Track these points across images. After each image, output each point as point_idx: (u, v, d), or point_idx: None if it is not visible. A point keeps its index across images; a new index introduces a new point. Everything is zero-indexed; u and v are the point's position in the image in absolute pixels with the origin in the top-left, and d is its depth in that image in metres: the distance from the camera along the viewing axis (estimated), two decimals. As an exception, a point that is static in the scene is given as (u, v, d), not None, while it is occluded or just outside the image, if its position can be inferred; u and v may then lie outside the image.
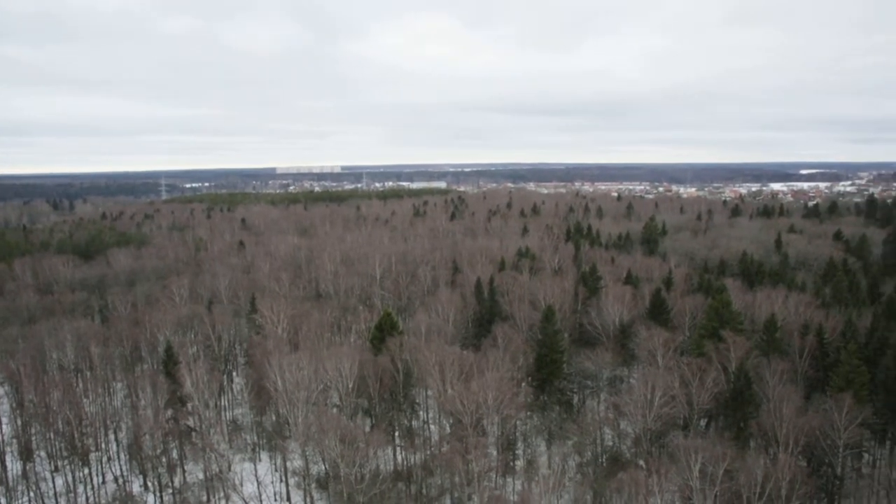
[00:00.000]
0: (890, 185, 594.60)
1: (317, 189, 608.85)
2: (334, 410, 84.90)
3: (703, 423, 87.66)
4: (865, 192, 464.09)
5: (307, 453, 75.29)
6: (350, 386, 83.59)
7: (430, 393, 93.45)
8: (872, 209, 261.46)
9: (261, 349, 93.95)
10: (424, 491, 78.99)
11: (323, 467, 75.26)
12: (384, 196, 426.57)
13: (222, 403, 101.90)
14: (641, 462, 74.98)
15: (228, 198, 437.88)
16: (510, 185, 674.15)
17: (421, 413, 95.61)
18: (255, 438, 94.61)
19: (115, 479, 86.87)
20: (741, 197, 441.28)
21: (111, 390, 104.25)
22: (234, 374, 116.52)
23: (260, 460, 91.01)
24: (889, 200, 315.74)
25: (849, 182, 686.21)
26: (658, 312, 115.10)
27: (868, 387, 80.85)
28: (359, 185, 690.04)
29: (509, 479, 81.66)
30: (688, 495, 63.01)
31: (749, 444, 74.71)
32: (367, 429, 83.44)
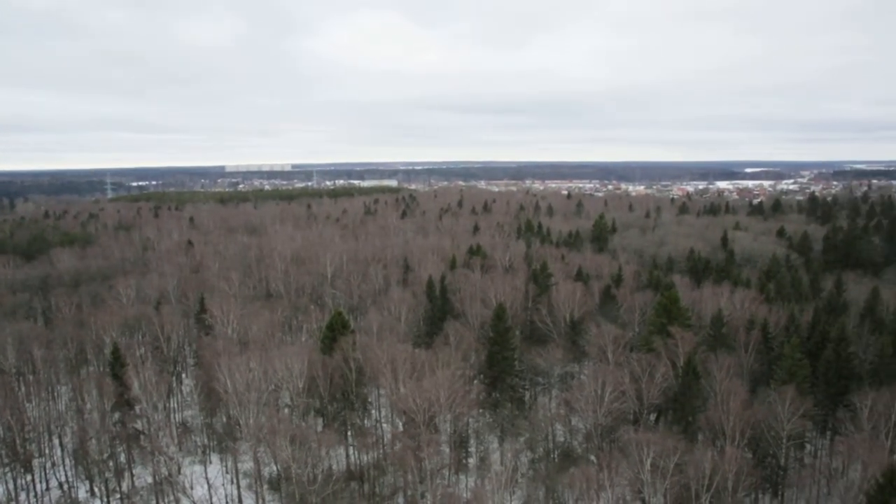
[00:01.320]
0: (830, 184, 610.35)
1: (267, 187, 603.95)
2: (285, 411, 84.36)
3: (652, 417, 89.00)
4: (807, 191, 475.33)
5: (258, 454, 74.62)
6: (301, 386, 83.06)
7: (382, 392, 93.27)
8: (814, 207, 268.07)
9: (210, 350, 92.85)
10: (377, 490, 78.85)
11: (275, 468, 74.67)
12: (335, 194, 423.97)
13: (171, 405, 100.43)
14: (593, 457, 75.83)
15: (176, 196, 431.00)
16: (461, 183, 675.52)
17: (373, 412, 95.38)
18: (206, 440, 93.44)
19: (60, 486, 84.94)
20: (688, 195, 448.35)
21: (55, 394, 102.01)
22: (184, 375, 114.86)
23: (210, 462, 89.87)
24: (829, 198, 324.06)
25: (791, 180, 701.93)
26: (608, 309, 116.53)
27: (810, 379, 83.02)
28: (309, 184, 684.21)
29: (462, 477, 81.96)
30: (638, 489, 63.97)
31: (697, 437, 75.96)
32: (319, 428, 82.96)
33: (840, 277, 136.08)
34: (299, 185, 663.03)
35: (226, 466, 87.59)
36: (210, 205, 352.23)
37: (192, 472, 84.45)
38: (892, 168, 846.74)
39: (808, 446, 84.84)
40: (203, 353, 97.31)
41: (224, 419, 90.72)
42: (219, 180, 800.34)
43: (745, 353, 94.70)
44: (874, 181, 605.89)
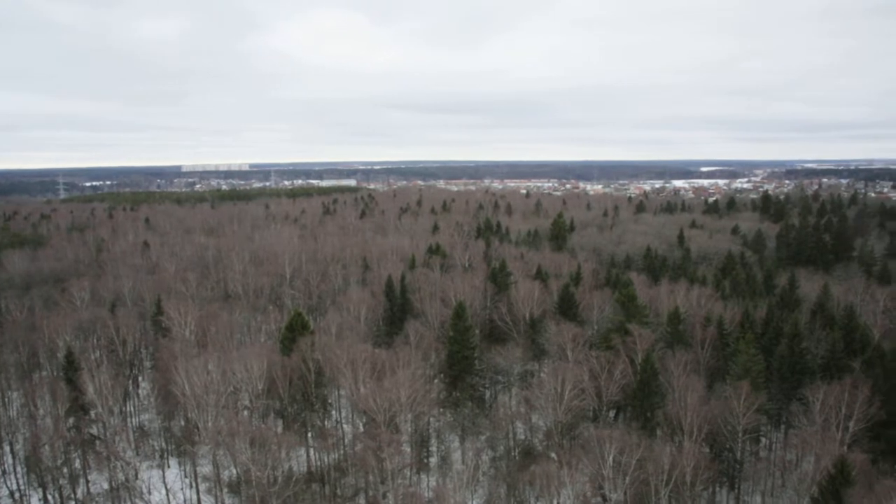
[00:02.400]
0: (782, 183, 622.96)
1: (224, 187, 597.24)
2: (245, 413, 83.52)
3: (611, 414, 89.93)
4: (761, 189, 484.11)
5: (217, 458, 73.83)
6: (261, 387, 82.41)
7: (342, 392, 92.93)
8: (767, 205, 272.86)
9: (168, 352, 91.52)
10: (339, 491, 78.60)
11: (234, 471, 73.89)
12: (293, 194, 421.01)
13: (128, 409, 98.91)
14: (553, 454, 76.35)
15: (131, 197, 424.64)
16: (420, 182, 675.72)
17: (333, 412, 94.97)
18: (164, 444, 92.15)
19: (11, 494, 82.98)
20: (645, 194, 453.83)
21: (6, 400, 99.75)
22: (141, 378, 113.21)
23: (168, 467, 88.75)
24: (781, 197, 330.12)
25: (746, 179, 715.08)
26: (567, 307, 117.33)
27: (764, 374, 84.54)
28: (267, 184, 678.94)
29: (424, 476, 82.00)
30: (599, 485, 64.59)
31: (656, 433, 76.98)
32: (279, 430, 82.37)
33: (793, 274, 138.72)
34: (257, 185, 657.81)
35: (184, 470, 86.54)
36: (166, 205, 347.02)
37: (149, 476, 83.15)
38: (841, 167, 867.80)
39: (763, 440, 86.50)
40: (160, 355, 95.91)
41: (182, 422, 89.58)
42: (175, 180, 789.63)
43: (702, 349, 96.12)
44: (824, 180, 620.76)
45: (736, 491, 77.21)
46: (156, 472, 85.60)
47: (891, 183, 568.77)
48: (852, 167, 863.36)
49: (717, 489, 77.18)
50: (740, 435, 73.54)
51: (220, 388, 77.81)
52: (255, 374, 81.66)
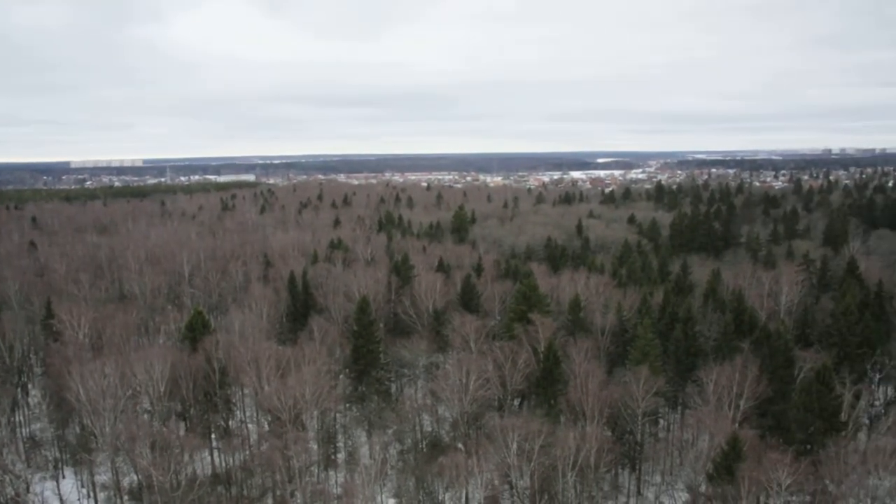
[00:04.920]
0: (675, 173, 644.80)
1: (117, 184, 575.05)
2: (145, 416, 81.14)
3: (516, 402, 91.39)
4: (654, 179, 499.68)
5: (117, 464, 71.49)
6: (162, 389, 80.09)
7: (246, 391, 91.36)
8: (660, 195, 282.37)
9: (60, 357, 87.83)
10: (245, 492, 77.19)
11: (135, 477, 71.71)
12: (190, 190, 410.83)
13: (17, 419, 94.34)
14: (460, 445, 77.15)
15: (16, 195, 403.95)
16: (321, 176, 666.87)
17: (238, 412, 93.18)
18: (58, 454, 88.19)
19: None
20: (544, 185, 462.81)
21: None
22: (30, 386, 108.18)
23: (64, 477, 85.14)
24: (674, 186, 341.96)
25: (640, 170, 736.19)
26: (469, 298, 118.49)
27: (661, 358, 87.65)
28: (163, 179, 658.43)
29: (332, 473, 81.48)
30: (506, 472, 65.66)
31: (560, 418, 78.61)
32: (182, 432, 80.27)
33: (685, 261, 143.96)
34: (152, 181, 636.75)
35: (81, 480, 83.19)
36: (54, 203, 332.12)
37: (42, 489, 79.58)
38: (728, 158, 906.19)
39: (661, 421, 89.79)
40: (52, 360, 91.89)
41: (77, 430, 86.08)
42: (63, 177, 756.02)
43: (602, 335, 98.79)
44: (713, 170, 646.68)
45: (637, 471, 79.77)
46: (49, 484, 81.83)
47: (773, 172, 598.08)
48: (738, 158, 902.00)
49: (620, 470, 79.60)
50: (640, 417, 76.04)
51: (118, 392, 75.32)
52: (156, 376, 79.35)
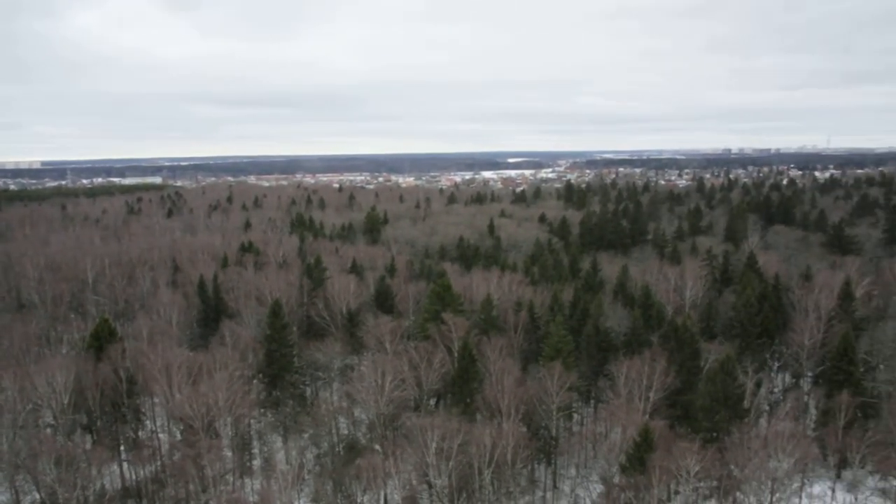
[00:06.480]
0: (583, 172, 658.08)
1: (12, 187, 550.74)
2: (48, 431, 77.95)
3: (433, 402, 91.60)
4: (564, 179, 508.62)
5: (17, 483, 68.37)
6: (65, 402, 77.11)
7: (156, 400, 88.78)
8: (570, 194, 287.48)
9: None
10: (156, 504, 75.02)
11: (38, 495, 68.67)
12: (93, 193, 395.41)
13: None
14: (377, 446, 76.91)
15: None
16: (230, 178, 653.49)
17: (148, 422, 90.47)
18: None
19: None
20: (456, 185, 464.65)
21: None
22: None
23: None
24: (583, 185, 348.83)
25: (550, 169, 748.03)
26: (383, 299, 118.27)
27: (574, 354, 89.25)
28: (63, 182, 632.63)
29: (247, 480, 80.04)
30: (424, 472, 65.71)
31: (476, 416, 79.22)
32: (88, 446, 77.42)
33: (595, 258, 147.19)
34: (51, 184, 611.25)
35: (-23, 500, 79.37)
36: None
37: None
38: (634, 157, 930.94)
39: (575, 415, 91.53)
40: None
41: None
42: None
43: (515, 333, 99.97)
44: (620, 169, 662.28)
45: (553, 465, 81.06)
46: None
47: (677, 171, 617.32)
48: (644, 157, 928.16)
49: (536, 465, 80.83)
50: (555, 412, 77.30)
51: (16, 407, 72.25)
52: (59, 388, 76.35)
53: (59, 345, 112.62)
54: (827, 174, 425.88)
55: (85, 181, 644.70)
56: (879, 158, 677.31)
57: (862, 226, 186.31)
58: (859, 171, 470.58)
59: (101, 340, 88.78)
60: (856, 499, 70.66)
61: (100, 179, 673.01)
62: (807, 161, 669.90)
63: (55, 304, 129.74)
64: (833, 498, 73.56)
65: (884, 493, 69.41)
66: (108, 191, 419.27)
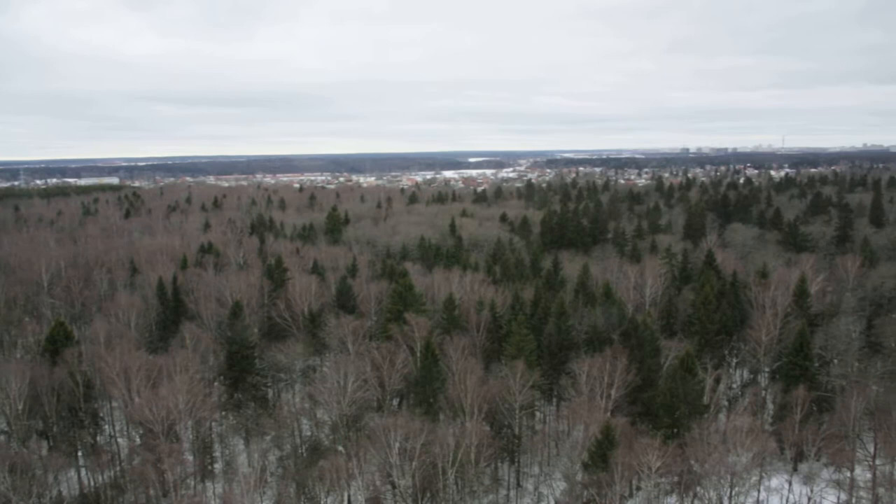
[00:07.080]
0: (544, 171, 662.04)
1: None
2: (2, 438, 76.46)
3: (395, 402, 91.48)
4: (525, 178, 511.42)
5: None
6: (20, 407, 75.64)
7: (115, 404, 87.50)
8: (531, 193, 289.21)
9: None
10: (115, 509, 73.89)
11: (-8, 502, 67.43)
12: (47, 194, 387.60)
13: None
14: (341, 447, 76.53)
15: None
16: (189, 179, 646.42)
17: (106, 427, 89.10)
18: None
19: None
20: (417, 185, 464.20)
21: None
22: None
23: None
24: (544, 185, 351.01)
25: (511, 169, 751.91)
26: (345, 300, 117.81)
27: (536, 352, 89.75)
28: (16, 183, 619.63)
29: (209, 484, 79.33)
30: (387, 472, 65.62)
31: (439, 416, 79.29)
32: (44, 452, 75.97)
33: (556, 257, 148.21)
34: (3, 184, 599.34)
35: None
36: None
37: None
38: (594, 157, 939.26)
39: (538, 414, 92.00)
40: None
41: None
42: None
43: (478, 332, 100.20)
44: (581, 168, 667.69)
45: (516, 464, 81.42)
46: None
47: (637, 170, 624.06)
48: (604, 156, 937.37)
49: (499, 464, 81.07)
50: (517, 411, 77.62)
51: (-30, 413, 70.61)
52: (13, 394, 74.87)
53: (12, 349, 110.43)
54: (782, 173, 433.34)
55: (39, 182, 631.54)
56: (832, 158, 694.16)
57: (816, 223, 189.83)
58: (813, 169, 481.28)
59: (57, 344, 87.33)
60: (811, 491, 71.99)
61: (55, 180, 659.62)
62: (762, 160, 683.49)
63: (8, 307, 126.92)
64: (790, 490, 74.91)
65: (838, 484, 70.80)
66: (64, 192, 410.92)
